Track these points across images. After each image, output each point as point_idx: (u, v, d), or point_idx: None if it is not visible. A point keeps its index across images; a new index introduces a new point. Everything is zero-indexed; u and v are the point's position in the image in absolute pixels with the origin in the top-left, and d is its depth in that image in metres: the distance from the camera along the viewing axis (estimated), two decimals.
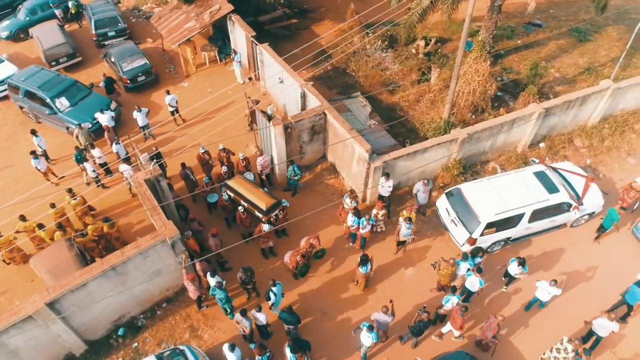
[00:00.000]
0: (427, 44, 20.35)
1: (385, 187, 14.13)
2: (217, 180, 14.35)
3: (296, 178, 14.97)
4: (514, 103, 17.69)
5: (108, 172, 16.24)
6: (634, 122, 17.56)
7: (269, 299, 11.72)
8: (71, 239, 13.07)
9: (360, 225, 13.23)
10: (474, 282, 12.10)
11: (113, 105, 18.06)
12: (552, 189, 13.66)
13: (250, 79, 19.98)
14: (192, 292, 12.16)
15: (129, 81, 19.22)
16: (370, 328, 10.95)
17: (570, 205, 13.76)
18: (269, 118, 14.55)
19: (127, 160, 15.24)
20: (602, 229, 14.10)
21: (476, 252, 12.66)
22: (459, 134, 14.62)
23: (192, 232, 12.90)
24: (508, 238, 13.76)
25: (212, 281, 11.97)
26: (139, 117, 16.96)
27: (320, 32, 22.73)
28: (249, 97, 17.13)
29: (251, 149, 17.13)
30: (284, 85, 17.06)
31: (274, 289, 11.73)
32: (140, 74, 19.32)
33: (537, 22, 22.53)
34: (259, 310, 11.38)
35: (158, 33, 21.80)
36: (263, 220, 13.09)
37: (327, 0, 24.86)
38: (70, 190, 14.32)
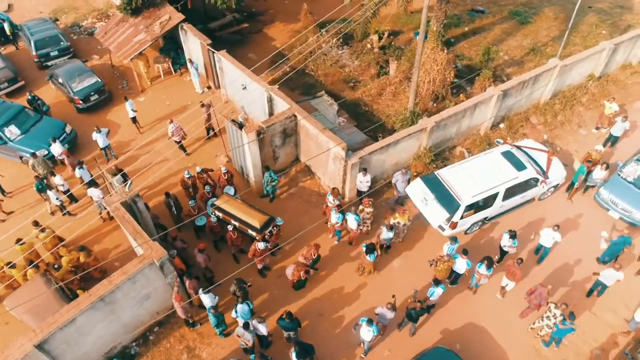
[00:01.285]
0: (380, 38, 20.75)
1: (363, 183, 14.31)
2: (203, 202, 13.93)
3: (273, 184, 14.87)
4: (471, 88, 18.39)
5: (72, 198, 15.44)
6: (581, 96, 18.74)
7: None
8: (46, 273, 12.36)
9: (348, 220, 13.40)
10: (460, 265, 12.51)
11: (68, 128, 17.17)
12: (520, 166, 14.33)
13: (209, 87, 19.58)
14: (180, 312, 11.84)
15: (81, 102, 18.32)
16: (370, 322, 11.09)
17: (537, 180, 14.50)
18: (240, 126, 14.34)
19: (94, 184, 14.55)
20: (571, 187, 15.39)
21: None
22: (427, 123, 15.04)
23: (177, 250, 12.54)
24: (485, 218, 14.33)
25: (205, 299, 11.70)
26: (99, 138, 16.26)
27: (272, 35, 22.68)
28: (201, 102, 17.06)
29: (221, 158, 16.84)
30: (247, 91, 16.86)
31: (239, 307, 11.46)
32: (92, 93, 18.46)
33: (480, 8, 23.51)
34: (261, 321, 11.24)
35: (105, 49, 20.94)
36: (257, 238, 12.80)
37: (275, 3, 24.76)
38: (37, 224, 13.52)
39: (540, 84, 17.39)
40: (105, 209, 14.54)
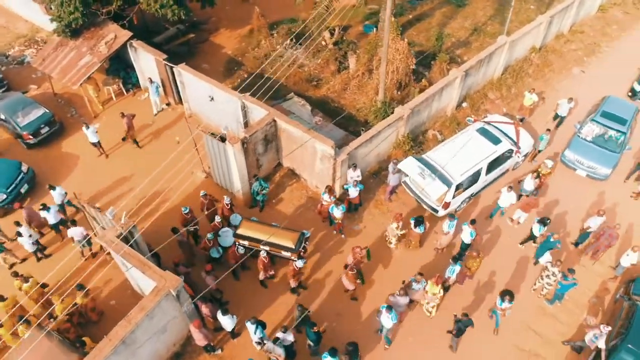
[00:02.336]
0: (332, 34, 20.89)
1: (354, 178, 14.41)
2: (214, 232, 13.27)
3: (264, 192, 14.58)
4: (429, 73, 19.05)
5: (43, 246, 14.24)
6: (527, 68, 20.05)
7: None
8: (42, 326, 11.30)
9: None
10: (466, 234, 13.04)
11: (24, 166, 15.75)
12: (495, 140, 15.11)
13: (168, 104, 18.74)
14: (201, 339, 11.31)
15: (31, 136, 16.84)
16: (389, 309, 11.26)
17: (512, 151, 15.37)
18: (222, 139, 13.89)
19: (72, 223, 13.49)
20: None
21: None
22: (403, 111, 15.41)
23: (181, 275, 11.94)
24: (472, 194, 14.97)
25: (225, 320, 11.27)
26: (89, 134, 16.05)
27: (220, 43, 22.12)
28: (121, 112, 16.58)
29: (198, 174, 16.24)
30: (215, 103, 16.36)
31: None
32: (42, 126, 17.03)
33: None
34: (285, 331, 11.03)
35: (43, 77, 19.41)
36: (293, 258, 12.46)
37: (215, 10, 24.02)
38: (17, 274, 12.34)
39: (494, 61, 18.38)
40: (87, 246, 13.56)
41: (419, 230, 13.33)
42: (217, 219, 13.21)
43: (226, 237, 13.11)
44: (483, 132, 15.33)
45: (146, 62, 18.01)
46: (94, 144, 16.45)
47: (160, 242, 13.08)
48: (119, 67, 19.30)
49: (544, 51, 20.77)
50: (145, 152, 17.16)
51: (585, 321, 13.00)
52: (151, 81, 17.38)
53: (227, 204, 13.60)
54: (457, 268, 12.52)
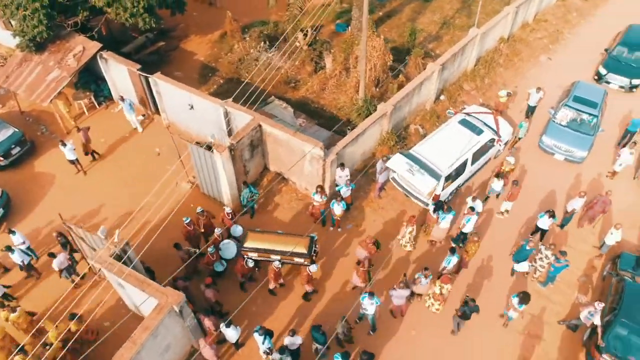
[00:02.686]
0: (305, 35, 20.82)
1: (342, 177, 14.41)
2: (215, 245, 12.94)
3: (254, 199, 14.40)
4: (406, 68, 19.25)
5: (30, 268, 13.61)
6: (498, 57, 20.55)
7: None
8: (39, 358, 10.81)
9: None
10: (465, 223, 13.37)
11: None
12: (477, 131, 15.43)
13: (144, 115, 18.23)
14: (212, 356, 11.06)
15: (1, 158, 16.07)
16: (371, 295, 11.39)
17: (494, 140, 15.73)
18: (209, 148, 13.63)
19: (51, 255, 12.90)
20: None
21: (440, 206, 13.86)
22: (385, 107, 15.52)
23: (181, 289, 11.66)
24: (459, 185, 15.23)
25: (229, 332, 11.08)
26: (67, 152, 15.54)
27: (192, 49, 21.71)
28: (77, 126, 16.44)
29: (183, 185, 15.88)
30: (194, 111, 16.04)
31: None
32: (12, 146, 16.28)
33: None
34: (293, 334, 10.94)
35: (7, 95, 18.59)
36: (306, 263, 12.34)
37: (183, 17, 23.54)
38: (2, 305, 11.76)
39: (467, 53, 18.76)
40: (69, 276, 13.08)
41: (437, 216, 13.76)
42: (217, 231, 12.91)
43: (227, 249, 12.86)
44: (465, 123, 15.61)
45: (118, 73, 17.47)
46: (71, 162, 15.85)
47: (151, 256, 12.79)
48: (89, 79, 18.65)
49: (512, 41, 21.34)
50: (125, 165, 16.67)
51: (577, 300, 13.45)
52: (122, 99, 16.70)
53: (228, 214, 13.32)
54: (454, 259, 12.70)
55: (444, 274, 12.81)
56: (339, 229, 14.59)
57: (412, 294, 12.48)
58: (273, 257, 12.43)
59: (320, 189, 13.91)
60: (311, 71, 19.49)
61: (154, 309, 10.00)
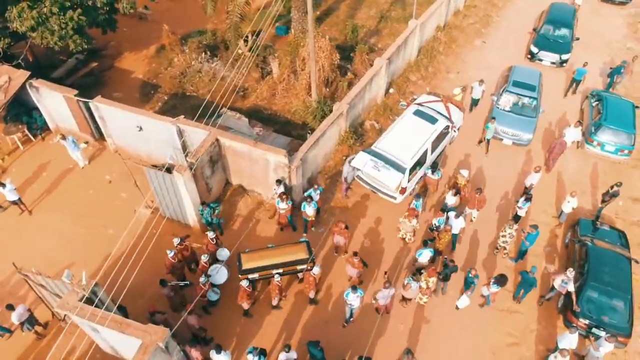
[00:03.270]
0: (245, 42, 20.39)
1: (277, 192, 13.91)
2: (204, 273, 12.24)
3: (217, 212, 13.88)
4: (352, 65, 19.33)
5: None
6: (437, 46, 21.14)
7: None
8: None
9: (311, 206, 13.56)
10: (455, 225, 13.50)
11: None
12: (432, 120, 15.74)
13: (86, 143, 17.08)
14: None
15: None
16: (354, 289, 11.53)
17: (449, 127, 16.14)
18: (168, 170, 12.98)
19: (10, 308, 11.77)
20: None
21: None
22: (341, 107, 15.49)
23: (160, 323, 11.03)
24: (422, 175, 15.49)
25: (221, 359, 10.62)
26: (7, 194, 14.36)
27: (128, 67, 20.66)
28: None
29: (142, 211, 15.03)
30: (144, 133, 15.23)
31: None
32: None
33: None
34: (288, 350, 10.68)
35: None
36: (309, 267, 12.13)
37: (113, 34, 22.37)
38: None
39: (409, 45, 19.13)
40: (34, 327, 12.04)
41: (436, 176, 14.60)
42: (205, 258, 12.26)
43: (218, 274, 12.32)
44: (419, 114, 15.88)
45: (53, 101, 16.25)
46: (13, 202, 14.57)
47: (120, 291, 12.01)
48: (20, 111, 17.18)
49: (447, 28, 22.04)
50: (75, 198, 15.53)
51: (547, 270, 14.10)
52: (64, 137, 15.39)
53: (212, 239, 12.68)
54: (427, 252, 12.85)
55: (418, 265, 13.02)
56: (313, 229, 14.40)
57: (403, 298, 12.60)
58: (275, 271, 12.10)
59: (284, 195, 13.64)
60: (258, 78, 19.11)
61: (138, 349, 9.35)
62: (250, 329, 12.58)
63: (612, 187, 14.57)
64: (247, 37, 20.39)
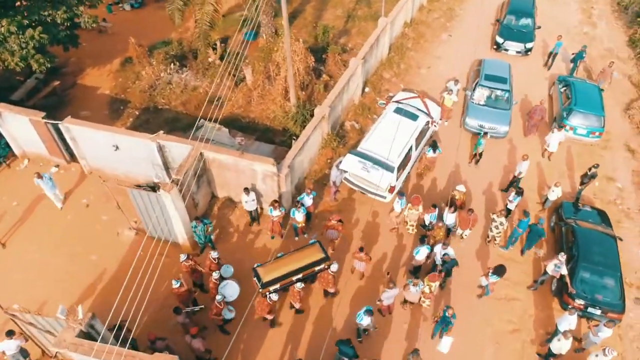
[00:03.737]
0: (214, 49, 19.95)
1: (249, 202, 13.74)
2: (216, 291, 11.91)
3: (210, 229, 13.49)
4: (326, 67, 19.24)
5: None
6: (406, 42, 21.34)
7: None
8: None
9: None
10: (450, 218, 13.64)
11: None
12: (413, 116, 15.85)
13: (57, 166, 16.24)
14: None
15: None
16: (369, 312, 11.27)
17: (429, 122, 16.29)
18: (153, 188, 12.49)
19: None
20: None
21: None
22: (323, 110, 15.36)
23: (163, 351, 10.61)
24: (408, 172, 15.58)
25: None
26: None
27: (93, 83, 19.82)
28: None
29: (126, 233, 14.48)
30: (120, 152, 14.62)
31: None
32: None
33: None
34: None
35: None
36: (326, 266, 12.22)
37: (72, 52, 21.38)
38: None
39: (381, 43, 19.20)
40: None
41: (434, 154, 15.17)
42: (215, 274, 11.92)
43: (230, 290, 12.15)
44: (400, 111, 15.94)
45: (17, 125, 15.33)
46: None
47: (113, 320, 11.48)
48: None
49: (414, 24, 22.27)
50: (51, 226, 14.72)
51: (537, 254, 14.47)
52: (39, 176, 14.27)
53: (214, 259, 12.26)
54: (424, 249, 12.90)
55: (415, 263, 13.07)
56: (305, 235, 14.22)
57: (405, 301, 12.60)
58: (295, 278, 12.08)
59: (276, 203, 13.41)
60: (232, 85, 18.68)
61: None
62: (255, 344, 12.26)
63: (589, 169, 15.08)
64: (215, 44, 19.98)
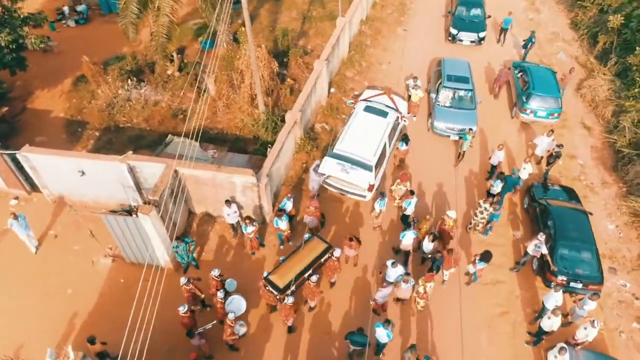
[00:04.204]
0: (172, 61, 19.34)
1: (231, 215, 13.46)
2: (224, 311, 11.75)
3: (192, 248, 13.08)
4: (288, 70, 19.06)
5: None
6: (365, 40, 21.51)
7: None
8: None
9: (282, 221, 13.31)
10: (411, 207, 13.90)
11: None
12: (383, 113, 16.00)
13: (16, 198, 15.26)
14: None
15: None
16: (387, 323, 11.21)
17: (398, 117, 16.49)
18: (129, 212, 11.96)
19: None
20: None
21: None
22: (294, 115, 15.22)
23: None
24: (384, 169, 15.69)
25: None
26: None
27: (44, 107, 18.80)
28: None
29: (102, 262, 13.81)
30: (87, 176, 13.91)
31: None
32: None
33: None
34: None
35: None
36: (331, 254, 12.46)
37: (18, 74, 20.13)
38: None
39: (341, 42, 19.24)
40: None
41: (407, 147, 15.56)
42: (220, 294, 11.63)
43: (237, 305, 12.16)
44: (370, 109, 16.04)
45: None
46: None
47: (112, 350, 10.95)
48: None
49: (370, 21, 22.48)
50: (17, 262, 13.80)
51: (515, 236, 14.96)
52: (15, 217, 13.22)
53: (216, 277, 11.90)
54: (410, 233, 13.06)
55: (403, 248, 13.21)
56: (290, 242, 14.05)
57: (397, 299, 12.67)
58: (308, 275, 12.12)
59: (247, 219, 13.14)
60: (195, 97, 18.18)
61: None
62: (255, 357, 12.00)
63: (554, 150, 15.73)
64: (172, 56, 19.37)
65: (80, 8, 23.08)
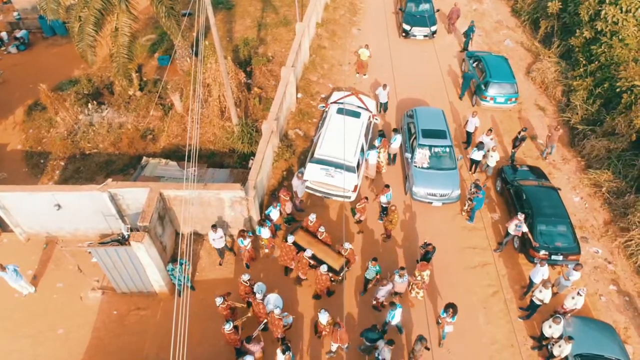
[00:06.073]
0: (130, 81, 18.74)
1: (217, 240, 13.18)
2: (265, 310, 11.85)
3: (188, 268, 12.80)
4: (252, 79, 18.98)
5: None
6: (322, 42, 21.76)
7: None
8: None
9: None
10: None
11: None
12: (356, 114, 16.31)
13: None
14: None
15: None
16: (393, 304, 11.71)
17: (370, 117, 16.87)
18: (120, 242, 11.57)
19: None
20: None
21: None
22: (271, 124, 15.22)
23: None
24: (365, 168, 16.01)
25: None
26: None
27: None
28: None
29: (90, 295, 13.28)
30: (63, 209, 13.30)
31: None
32: None
33: (186, 12, 23.36)
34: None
35: None
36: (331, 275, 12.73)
37: None
38: None
39: (302, 47, 19.38)
40: None
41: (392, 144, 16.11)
42: (259, 295, 11.80)
43: (274, 302, 12.21)
44: (341, 111, 16.29)
45: None
46: None
47: None
48: None
49: (325, 24, 22.74)
50: (2, 309, 13.02)
51: (492, 219, 15.71)
52: (3, 268, 12.49)
53: (245, 282, 11.98)
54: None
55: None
56: (273, 255, 14.08)
57: (395, 293, 12.97)
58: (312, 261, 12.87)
59: (243, 232, 13.09)
60: (162, 116, 17.75)
61: None
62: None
63: (519, 133, 16.64)
64: (130, 75, 18.77)
65: (21, 34, 21.87)
